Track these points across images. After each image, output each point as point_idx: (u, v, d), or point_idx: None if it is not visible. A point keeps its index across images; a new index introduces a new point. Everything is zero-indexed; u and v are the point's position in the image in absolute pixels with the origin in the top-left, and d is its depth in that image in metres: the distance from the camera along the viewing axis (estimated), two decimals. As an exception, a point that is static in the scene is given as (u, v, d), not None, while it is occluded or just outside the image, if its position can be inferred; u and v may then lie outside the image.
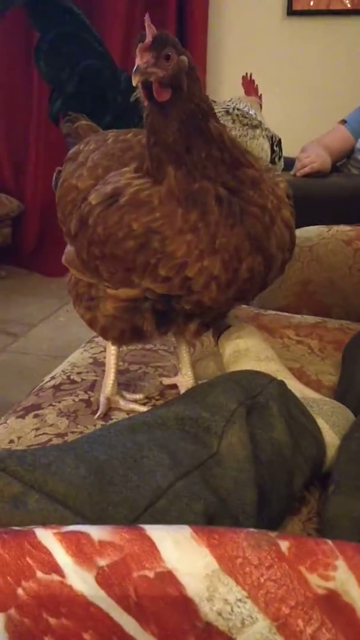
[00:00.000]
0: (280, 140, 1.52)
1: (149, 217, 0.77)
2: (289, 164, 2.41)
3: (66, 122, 1.02)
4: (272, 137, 1.47)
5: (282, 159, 1.50)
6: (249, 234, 0.78)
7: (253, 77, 1.57)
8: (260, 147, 1.41)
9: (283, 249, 0.83)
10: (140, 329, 0.88)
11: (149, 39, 0.71)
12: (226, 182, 0.77)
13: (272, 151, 1.48)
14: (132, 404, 0.94)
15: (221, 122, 1.42)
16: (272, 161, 1.45)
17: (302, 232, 1.51)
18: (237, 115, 1.44)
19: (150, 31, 0.71)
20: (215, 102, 1.48)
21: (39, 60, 1.45)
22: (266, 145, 1.43)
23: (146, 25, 0.70)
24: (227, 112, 1.44)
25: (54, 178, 0.98)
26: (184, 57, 0.74)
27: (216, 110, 1.44)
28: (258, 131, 1.42)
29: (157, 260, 0.78)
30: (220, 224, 0.76)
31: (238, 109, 1.45)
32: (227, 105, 1.46)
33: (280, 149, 1.52)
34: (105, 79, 1.46)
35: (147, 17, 0.71)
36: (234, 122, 1.42)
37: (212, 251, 0.77)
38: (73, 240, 0.89)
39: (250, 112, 1.45)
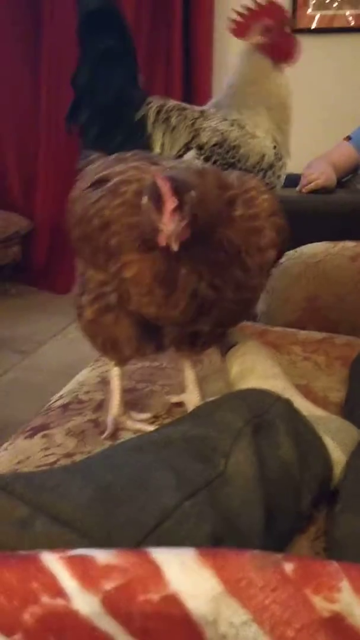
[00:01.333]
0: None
1: (121, 210, 0.78)
2: (295, 180, 2.42)
3: (81, 159, 1.03)
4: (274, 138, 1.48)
5: (283, 159, 1.51)
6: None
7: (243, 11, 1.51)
8: (262, 144, 1.43)
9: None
10: (117, 340, 0.89)
11: (170, 203, 0.67)
12: (211, 281, 0.77)
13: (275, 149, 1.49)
14: (140, 424, 0.94)
15: (220, 128, 1.44)
16: (277, 159, 1.46)
17: (308, 249, 1.52)
18: (234, 120, 1.46)
19: (168, 193, 0.67)
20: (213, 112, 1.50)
21: (82, 70, 1.47)
22: (268, 142, 1.45)
23: (159, 182, 0.67)
24: (225, 119, 1.47)
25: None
26: (192, 193, 0.70)
27: (215, 118, 1.46)
28: (258, 131, 1.44)
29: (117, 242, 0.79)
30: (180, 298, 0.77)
31: (235, 118, 1.47)
32: (225, 113, 1.49)
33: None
34: (127, 98, 1.48)
35: (157, 176, 0.68)
36: (232, 125, 1.45)
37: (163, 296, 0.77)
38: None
39: (249, 120, 1.47)
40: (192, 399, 0.97)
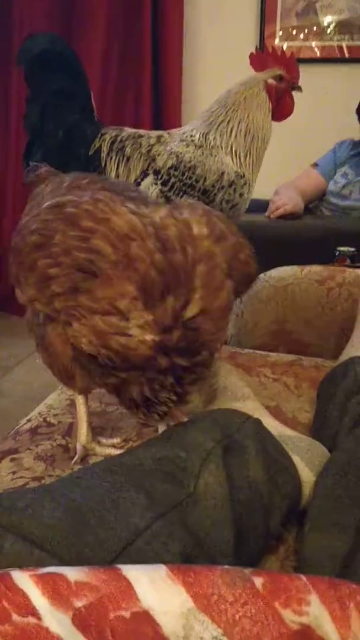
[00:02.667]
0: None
1: (75, 244, 0.75)
2: (262, 205, 2.46)
3: (28, 172, 1.03)
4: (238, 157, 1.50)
5: (245, 177, 1.53)
6: None
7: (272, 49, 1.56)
8: (220, 162, 1.45)
9: None
10: (70, 371, 0.88)
11: None
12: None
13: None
14: (109, 449, 0.94)
15: (175, 150, 1.46)
16: (239, 176, 1.48)
17: (276, 272, 1.54)
18: (190, 140, 1.48)
19: None
20: (169, 133, 1.52)
21: (31, 114, 1.48)
22: (227, 159, 1.46)
23: None
24: (181, 140, 1.49)
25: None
26: None
27: (172, 140, 1.48)
28: (214, 150, 1.46)
29: (51, 270, 0.77)
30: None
31: (191, 136, 1.49)
32: (182, 134, 1.51)
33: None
34: (80, 134, 1.50)
35: None
36: (187, 146, 1.46)
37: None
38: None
39: (209, 136, 1.49)
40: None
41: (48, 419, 1.05)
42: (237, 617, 0.39)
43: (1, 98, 3.60)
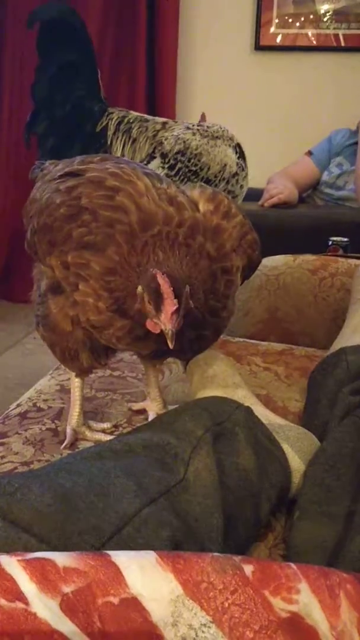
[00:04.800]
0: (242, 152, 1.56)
1: (105, 199, 0.77)
2: (256, 194, 2.45)
3: (34, 169, 1.02)
4: (236, 147, 1.51)
5: (245, 170, 1.54)
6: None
7: None
8: (223, 154, 1.45)
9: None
10: (75, 350, 0.89)
11: (171, 305, 0.69)
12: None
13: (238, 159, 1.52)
14: (99, 434, 0.94)
15: (182, 136, 1.47)
16: (240, 168, 1.49)
17: (269, 261, 1.54)
18: (197, 129, 1.49)
19: (170, 296, 0.69)
20: (176, 122, 1.52)
21: (41, 82, 1.47)
22: (229, 152, 1.47)
23: (160, 281, 0.70)
24: (187, 128, 1.49)
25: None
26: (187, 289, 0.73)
27: (177, 127, 1.48)
28: (219, 141, 1.47)
29: (86, 237, 0.78)
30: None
31: (199, 125, 1.50)
32: (188, 123, 1.52)
33: (244, 160, 1.56)
34: (87, 109, 1.49)
35: (159, 274, 0.70)
36: (194, 134, 1.47)
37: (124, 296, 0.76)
38: (27, 221, 0.90)
39: (214, 127, 1.50)
40: (154, 406, 0.97)
41: (38, 404, 1.04)
42: (226, 604, 0.38)
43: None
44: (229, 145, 1.48)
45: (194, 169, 1.44)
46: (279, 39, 3.27)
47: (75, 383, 0.94)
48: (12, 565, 0.39)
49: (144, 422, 0.94)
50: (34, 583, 0.38)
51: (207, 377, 0.94)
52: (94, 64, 1.52)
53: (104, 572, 0.39)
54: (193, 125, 1.50)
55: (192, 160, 1.44)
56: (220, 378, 0.93)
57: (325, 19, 3.20)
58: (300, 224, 2.27)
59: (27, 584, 0.38)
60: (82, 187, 0.79)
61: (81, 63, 1.49)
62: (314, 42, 3.24)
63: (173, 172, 1.43)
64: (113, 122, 1.49)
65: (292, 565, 0.40)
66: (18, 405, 1.06)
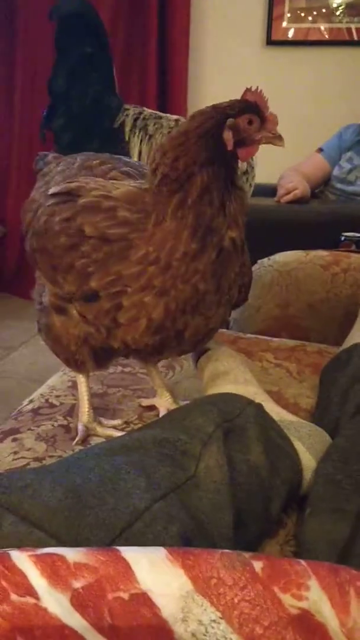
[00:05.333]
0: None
1: (108, 222, 0.77)
2: (269, 190, 2.45)
3: (37, 160, 1.03)
4: None
5: (254, 169, 1.54)
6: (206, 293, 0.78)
7: None
8: None
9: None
10: (78, 358, 0.89)
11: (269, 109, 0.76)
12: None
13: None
14: (110, 430, 0.94)
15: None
16: (250, 167, 1.49)
17: (281, 257, 1.53)
18: None
19: (265, 103, 0.76)
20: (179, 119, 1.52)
21: (58, 76, 1.47)
22: None
23: (255, 95, 0.75)
24: None
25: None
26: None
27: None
28: None
29: (89, 268, 0.78)
30: (192, 273, 0.76)
31: None
32: None
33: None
34: (104, 105, 1.49)
35: (247, 93, 0.76)
36: None
37: (162, 292, 0.77)
38: (25, 232, 0.91)
39: None
40: (163, 402, 0.97)
41: (50, 400, 1.05)
42: (235, 600, 0.38)
43: (6, 82, 3.57)
44: None
45: None
46: (290, 33, 3.25)
47: (81, 379, 0.94)
48: (23, 560, 0.39)
49: (155, 418, 0.94)
50: (45, 578, 0.39)
51: (218, 374, 0.94)
52: (110, 59, 1.52)
53: (114, 567, 0.39)
54: None
55: None
56: (231, 374, 0.93)
57: (337, 13, 3.18)
58: (313, 220, 2.26)
59: (37, 579, 0.38)
60: (81, 217, 0.79)
61: (98, 57, 1.49)
62: (326, 37, 3.22)
63: None
64: (130, 118, 1.49)
65: (302, 561, 0.40)
66: (30, 402, 1.06)
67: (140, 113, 1.50)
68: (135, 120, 1.49)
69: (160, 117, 1.51)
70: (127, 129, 1.49)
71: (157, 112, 1.54)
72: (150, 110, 1.53)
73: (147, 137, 1.48)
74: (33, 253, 0.88)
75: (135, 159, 1.47)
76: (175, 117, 1.54)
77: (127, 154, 1.48)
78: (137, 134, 1.48)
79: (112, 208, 0.77)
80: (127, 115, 1.50)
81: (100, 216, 0.77)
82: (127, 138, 1.49)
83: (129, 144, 1.49)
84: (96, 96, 1.49)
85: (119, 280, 0.77)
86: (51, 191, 0.84)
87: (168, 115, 1.55)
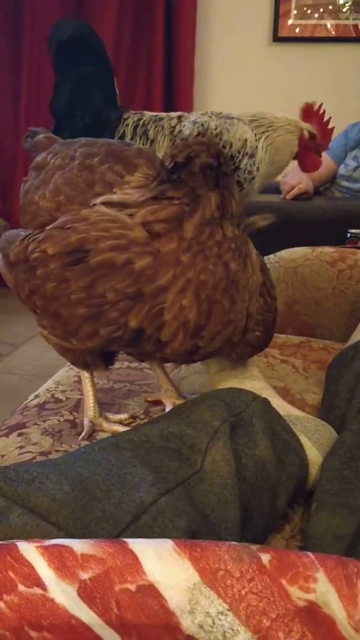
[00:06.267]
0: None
1: (129, 279, 0.72)
2: (275, 188, 2.44)
3: (26, 137, 1.01)
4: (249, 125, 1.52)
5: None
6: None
7: (321, 109, 1.64)
8: (242, 130, 1.46)
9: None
10: (84, 360, 0.88)
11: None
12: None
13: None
14: (116, 426, 0.94)
15: (199, 120, 1.47)
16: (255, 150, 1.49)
17: (287, 254, 1.53)
18: (211, 113, 1.51)
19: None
20: (189, 113, 1.52)
21: (59, 97, 1.48)
22: (246, 128, 1.48)
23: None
24: (202, 114, 1.51)
25: (21, 188, 0.94)
26: None
27: (192, 115, 1.48)
28: (235, 120, 1.48)
29: (110, 330, 0.76)
30: (225, 251, 0.74)
31: (213, 112, 1.53)
32: (204, 112, 1.53)
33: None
34: (104, 119, 1.50)
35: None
36: (210, 117, 1.48)
37: (197, 284, 0.74)
38: (11, 267, 0.84)
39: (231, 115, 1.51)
40: (168, 396, 0.97)
41: (56, 395, 1.05)
42: (243, 592, 0.38)
43: (12, 85, 3.59)
44: (244, 123, 1.48)
45: None
46: (297, 30, 3.25)
47: (85, 374, 0.94)
48: (31, 551, 0.39)
49: (161, 413, 0.94)
50: (52, 569, 0.39)
51: (225, 369, 0.94)
52: (110, 74, 1.53)
53: (121, 559, 0.39)
54: (206, 112, 1.51)
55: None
56: (238, 370, 0.93)
57: (344, 10, 3.18)
58: (319, 216, 2.25)
59: (45, 570, 0.39)
60: (100, 284, 0.73)
61: (98, 75, 1.50)
62: (333, 33, 3.22)
63: None
64: (129, 128, 1.50)
65: (309, 554, 0.40)
66: (36, 397, 1.06)
67: (139, 120, 1.51)
68: (135, 128, 1.50)
69: (161, 119, 1.51)
70: (127, 138, 1.49)
71: (158, 114, 1.54)
72: (150, 114, 1.54)
73: (149, 142, 1.48)
74: (33, 306, 0.82)
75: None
76: (177, 114, 1.54)
77: None
78: (137, 141, 1.49)
79: (128, 261, 0.72)
80: (126, 125, 1.50)
81: (120, 276, 0.72)
82: None
83: None
84: (97, 111, 1.50)
85: (158, 304, 0.74)
86: (51, 251, 0.76)
87: (170, 114, 1.54)
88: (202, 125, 1.46)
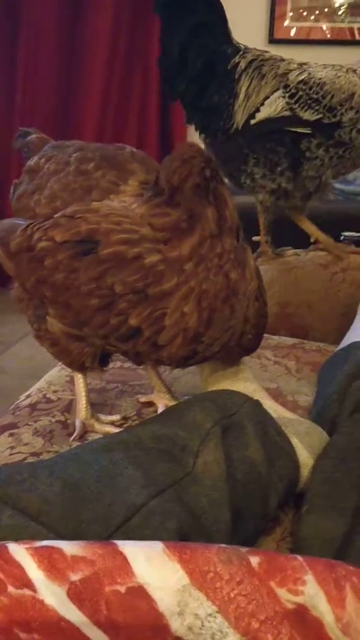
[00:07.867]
0: None
1: (138, 274, 0.73)
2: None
3: (18, 137, 1.01)
4: None
5: None
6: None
7: None
8: (352, 83, 1.40)
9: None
10: (79, 361, 0.88)
11: None
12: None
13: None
14: (108, 427, 0.94)
15: (310, 69, 1.43)
16: None
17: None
18: (332, 66, 1.47)
19: None
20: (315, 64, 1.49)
21: (173, 42, 1.43)
22: (358, 83, 1.41)
23: None
24: (324, 67, 1.46)
25: (11, 190, 0.94)
26: None
27: (313, 65, 1.45)
28: (351, 73, 1.42)
29: (120, 319, 0.76)
30: (225, 262, 0.75)
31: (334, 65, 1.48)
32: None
33: None
34: (222, 54, 1.46)
35: None
36: (324, 67, 1.45)
37: (199, 292, 0.75)
38: (11, 258, 0.83)
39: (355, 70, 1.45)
40: (161, 397, 0.98)
41: (48, 395, 1.05)
42: (232, 594, 0.39)
43: (7, 83, 3.58)
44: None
45: (315, 96, 1.37)
46: (293, 32, 3.26)
47: (78, 375, 0.94)
48: (21, 552, 0.40)
49: (154, 414, 0.95)
50: (42, 571, 0.39)
51: (217, 370, 0.94)
52: (224, 18, 1.49)
53: (111, 561, 0.40)
54: (330, 64, 1.46)
55: (313, 88, 1.37)
56: (230, 371, 0.93)
57: (339, 12, 3.19)
58: (312, 219, 2.26)
59: (35, 572, 0.39)
60: (110, 275, 0.73)
61: (212, 21, 1.46)
62: (329, 36, 3.23)
63: (293, 100, 1.39)
64: (246, 60, 1.46)
65: (299, 557, 0.40)
66: (28, 396, 1.06)
67: (259, 55, 1.47)
68: (252, 61, 1.46)
69: (282, 60, 1.46)
70: (241, 69, 1.44)
71: (280, 56, 1.50)
72: (272, 54, 1.49)
73: (259, 76, 1.44)
74: (41, 297, 0.83)
75: (241, 97, 1.43)
76: (299, 61, 1.49)
77: (236, 93, 1.44)
78: (249, 73, 1.44)
79: (139, 256, 0.73)
80: (243, 57, 1.46)
81: (129, 270, 0.73)
82: (237, 77, 1.44)
83: (238, 83, 1.44)
84: (212, 53, 1.45)
85: (160, 308, 0.75)
86: (59, 238, 0.76)
87: (292, 59, 1.49)
88: (309, 73, 1.39)
